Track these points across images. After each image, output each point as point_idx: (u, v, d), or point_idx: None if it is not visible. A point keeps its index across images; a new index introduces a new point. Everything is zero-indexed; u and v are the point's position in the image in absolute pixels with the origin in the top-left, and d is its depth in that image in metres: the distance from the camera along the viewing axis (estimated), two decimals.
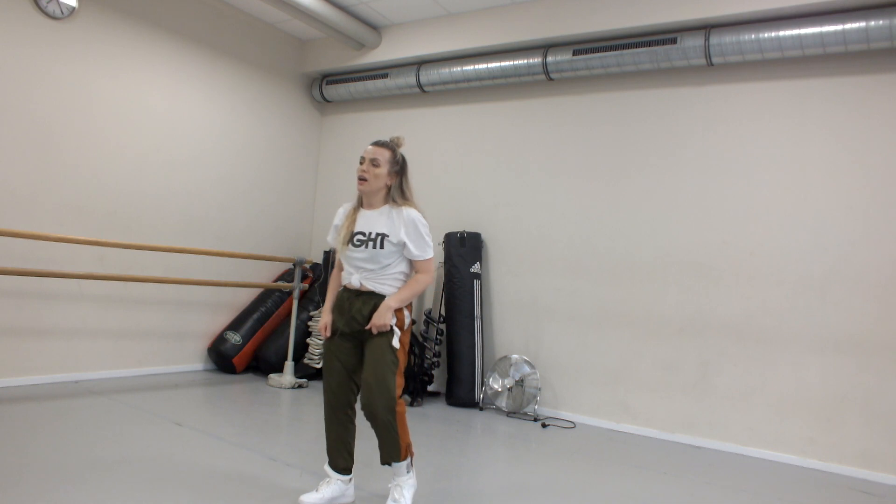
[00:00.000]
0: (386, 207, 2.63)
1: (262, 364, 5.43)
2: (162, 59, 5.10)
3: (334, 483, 2.65)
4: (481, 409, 4.95)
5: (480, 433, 4.28)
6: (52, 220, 4.40)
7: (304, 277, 5.79)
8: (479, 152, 5.53)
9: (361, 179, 2.60)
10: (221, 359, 5.39)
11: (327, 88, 6.26)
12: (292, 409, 4.45)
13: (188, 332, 5.38)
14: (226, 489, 2.73)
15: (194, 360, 5.47)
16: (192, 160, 5.37)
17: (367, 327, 2.53)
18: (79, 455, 2.98)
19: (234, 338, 5.40)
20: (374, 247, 2.56)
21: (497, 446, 4.01)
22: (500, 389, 4.91)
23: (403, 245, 2.57)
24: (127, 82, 4.86)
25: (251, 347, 5.47)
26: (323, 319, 2.70)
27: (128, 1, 4.84)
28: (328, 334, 2.66)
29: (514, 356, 4.95)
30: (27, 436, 3.21)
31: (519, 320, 5.16)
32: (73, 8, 4.47)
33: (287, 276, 5.88)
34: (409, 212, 2.60)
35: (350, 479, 2.69)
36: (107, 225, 4.74)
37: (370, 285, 2.58)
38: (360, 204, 2.71)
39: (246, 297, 5.81)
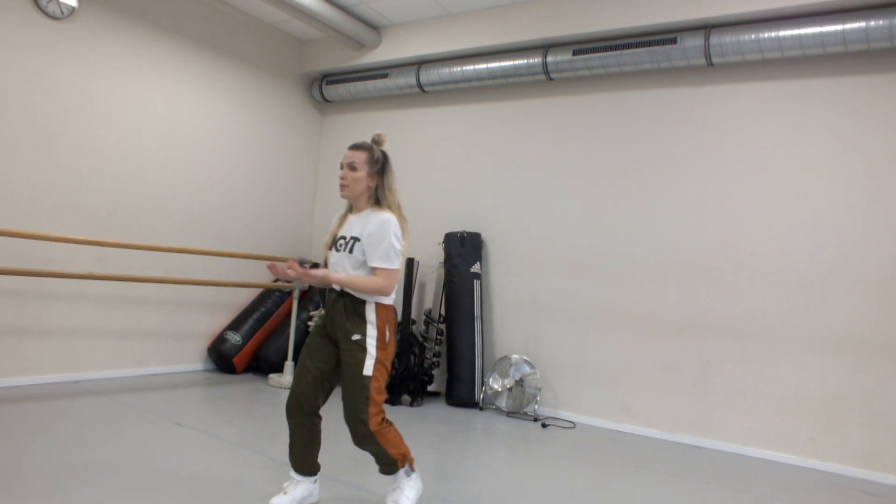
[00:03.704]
0: (368, 210, 2.55)
1: (262, 364, 5.43)
2: (162, 59, 5.10)
3: (303, 484, 2.58)
4: (481, 409, 4.95)
5: (480, 433, 4.28)
6: (52, 220, 4.40)
7: None
8: (479, 152, 5.53)
9: (342, 186, 2.53)
10: (221, 359, 5.39)
11: (327, 88, 6.26)
12: None
13: (188, 332, 5.38)
14: (226, 489, 2.73)
15: (194, 360, 5.47)
16: (192, 160, 5.37)
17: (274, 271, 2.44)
18: (79, 455, 2.98)
19: (234, 338, 5.40)
20: (345, 250, 2.49)
21: (497, 446, 4.01)
22: (500, 389, 4.91)
23: None
24: (127, 82, 4.86)
25: (251, 347, 5.47)
26: None
27: (128, 1, 4.84)
28: None
29: (514, 356, 4.95)
30: (27, 436, 3.21)
31: (519, 320, 5.16)
32: (73, 8, 4.47)
33: None
34: (382, 215, 2.48)
35: (316, 480, 2.64)
36: (107, 225, 4.74)
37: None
38: (349, 209, 2.64)
39: (246, 297, 5.81)
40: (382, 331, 2.48)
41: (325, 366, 2.54)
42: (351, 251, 2.47)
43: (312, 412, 2.55)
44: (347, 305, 2.48)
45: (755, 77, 4.38)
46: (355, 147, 2.55)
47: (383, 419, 2.48)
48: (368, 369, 2.42)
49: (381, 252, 2.43)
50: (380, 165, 2.55)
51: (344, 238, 2.53)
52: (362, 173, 2.51)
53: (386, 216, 2.47)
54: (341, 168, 2.55)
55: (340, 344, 2.49)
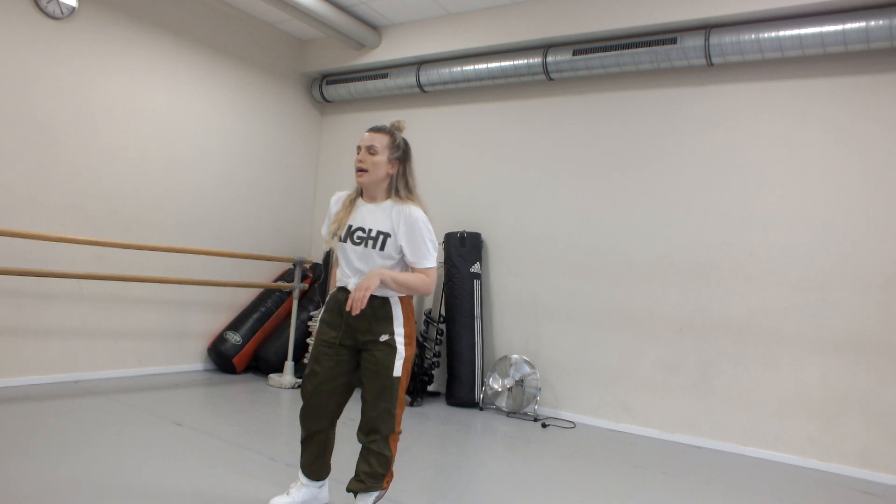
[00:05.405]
0: (389, 203, 2.37)
1: (262, 364, 5.43)
2: (162, 59, 5.10)
3: (307, 488, 2.50)
4: (481, 409, 4.95)
5: (480, 433, 4.28)
6: (52, 220, 4.40)
7: (303, 277, 5.79)
8: (479, 152, 5.53)
9: (360, 171, 2.34)
10: (221, 359, 5.39)
11: (327, 88, 6.27)
12: (292, 409, 4.44)
13: (188, 332, 5.38)
14: (226, 489, 2.73)
15: (194, 360, 5.47)
16: (192, 160, 5.37)
17: (347, 308, 2.23)
18: (78, 456, 2.98)
19: (234, 338, 5.40)
20: (374, 246, 2.32)
21: (497, 446, 4.01)
22: (500, 389, 4.91)
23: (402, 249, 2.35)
24: (127, 82, 4.86)
25: (251, 347, 5.47)
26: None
27: (128, 1, 4.84)
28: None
29: (514, 356, 4.95)
30: (27, 436, 3.21)
31: (519, 320, 5.16)
32: (73, 8, 4.47)
33: (287, 276, 5.88)
34: (411, 210, 2.33)
35: (322, 485, 2.55)
36: (107, 225, 4.73)
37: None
38: (359, 194, 2.45)
39: (246, 297, 5.81)
40: (409, 326, 2.38)
41: (342, 377, 2.41)
42: (382, 248, 2.32)
43: (331, 425, 2.48)
44: (373, 305, 2.33)
45: (755, 77, 4.38)
46: (376, 129, 2.38)
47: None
48: (398, 370, 2.33)
49: (424, 251, 2.33)
50: (401, 152, 2.39)
51: (363, 230, 2.36)
52: (382, 158, 2.34)
53: (415, 210, 2.34)
54: (358, 151, 2.36)
55: (364, 346, 2.36)
